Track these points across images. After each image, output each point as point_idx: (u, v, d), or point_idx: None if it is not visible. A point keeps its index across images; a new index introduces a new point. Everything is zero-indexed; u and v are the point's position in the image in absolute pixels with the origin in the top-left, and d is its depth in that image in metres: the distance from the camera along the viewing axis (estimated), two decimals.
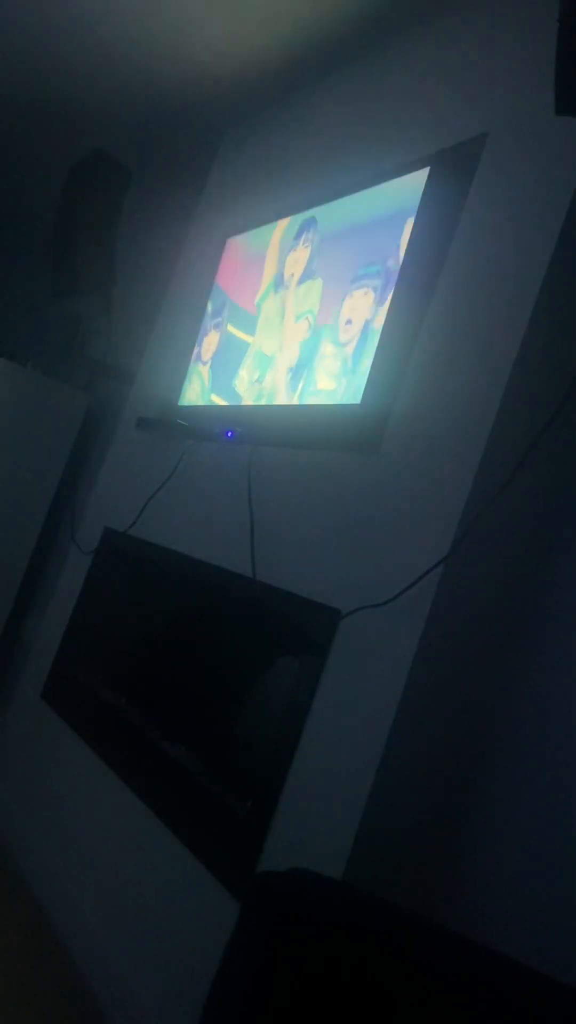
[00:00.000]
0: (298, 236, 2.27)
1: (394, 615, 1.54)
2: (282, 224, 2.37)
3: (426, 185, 1.85)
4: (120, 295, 3.20)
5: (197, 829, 1.84)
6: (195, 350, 2.59)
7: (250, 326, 2.36)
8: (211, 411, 2.39)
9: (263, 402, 2.17)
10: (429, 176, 1.86)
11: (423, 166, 1.89)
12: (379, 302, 1.88)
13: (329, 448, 1.89)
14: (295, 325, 2.14)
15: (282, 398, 2.10)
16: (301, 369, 2.06)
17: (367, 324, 1.89)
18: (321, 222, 2.20)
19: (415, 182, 1.89)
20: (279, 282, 2.30)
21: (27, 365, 3.47)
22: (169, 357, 2.76)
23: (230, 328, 2.46)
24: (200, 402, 2.47)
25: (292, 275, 2.25)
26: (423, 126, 2.03)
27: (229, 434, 2.19)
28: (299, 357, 2.08)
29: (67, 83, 3.01)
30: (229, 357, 2.40)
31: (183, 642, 2.24)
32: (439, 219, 1.81)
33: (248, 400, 2.24)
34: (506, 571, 1.59)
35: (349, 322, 1.95)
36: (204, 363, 2.53)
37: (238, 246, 2.60)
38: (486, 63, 1.92)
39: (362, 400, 1.81)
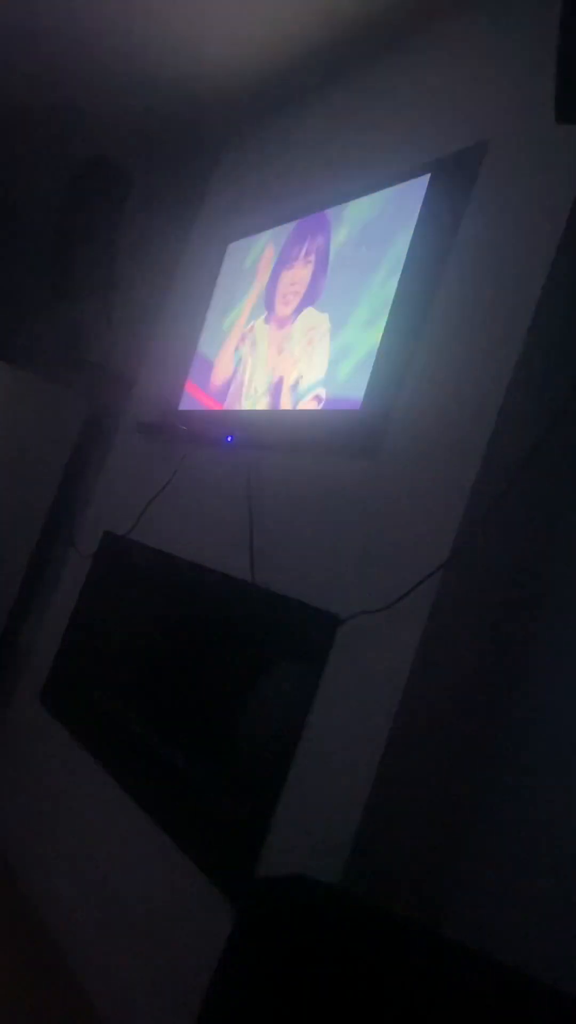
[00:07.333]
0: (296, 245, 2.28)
1: (393, 621, 1.54)
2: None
3: (426, 192, 1.86)
4: (120, 300, 3.21)
5: (195, 834, 1.84)
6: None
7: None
8: (211, 416, 2.39)
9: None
10: (429, 183, 1.86)
11: (423, 173, 1.89)
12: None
13: (328, 453, 1.89)
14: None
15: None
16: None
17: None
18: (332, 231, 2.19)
19: (415, 189, 1.90)
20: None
21: (27, 369, 3.47)
22: (169, 362, 2.76)
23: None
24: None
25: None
26: (423, 133, 2.04)
27: (229, 439, 2.19)
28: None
29: (69, 89, 3.02)
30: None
31: (182, 646, 2.24)
32: (439, 226, 1.82)
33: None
34: (505, 577, 1.59)
35: None
36: None
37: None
38: (486, 71, 1.93)
39: (362, 405, 1.81)
